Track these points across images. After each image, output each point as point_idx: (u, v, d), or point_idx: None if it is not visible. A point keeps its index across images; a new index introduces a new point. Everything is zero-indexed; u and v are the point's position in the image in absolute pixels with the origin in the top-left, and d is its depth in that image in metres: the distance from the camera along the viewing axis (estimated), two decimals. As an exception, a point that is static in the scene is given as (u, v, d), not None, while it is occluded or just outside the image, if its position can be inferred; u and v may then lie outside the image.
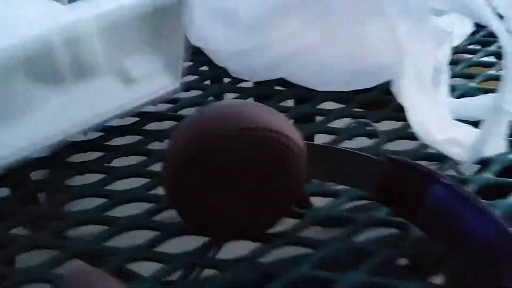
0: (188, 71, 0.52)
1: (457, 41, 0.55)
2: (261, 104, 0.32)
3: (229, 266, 0.32)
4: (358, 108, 0.48)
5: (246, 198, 0.31)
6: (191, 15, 0.47)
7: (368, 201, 0.36)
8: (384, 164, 0.33)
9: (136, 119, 0.45)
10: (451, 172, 0.41)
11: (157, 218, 0.36)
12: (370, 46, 0.45)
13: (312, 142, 0.34)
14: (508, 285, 0.26)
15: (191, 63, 0.54)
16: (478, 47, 0.57)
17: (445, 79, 0.46)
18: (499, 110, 0.35)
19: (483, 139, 0.36)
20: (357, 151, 0.34)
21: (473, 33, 0.56)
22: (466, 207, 0.30)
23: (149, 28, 0.44)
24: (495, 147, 0.37)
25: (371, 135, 0.44)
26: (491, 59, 0.55)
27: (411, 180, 0.32)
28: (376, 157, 0.33)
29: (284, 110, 0.46)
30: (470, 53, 0.56)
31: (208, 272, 0.33)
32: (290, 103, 0.51)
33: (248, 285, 0.31)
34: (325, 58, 0.46)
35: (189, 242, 0.33)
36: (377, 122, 0.46)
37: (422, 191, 0.31)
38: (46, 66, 0.40)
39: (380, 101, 0.48)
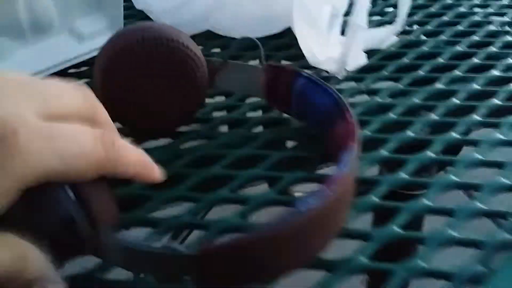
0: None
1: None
2: (169, 25, 0.42)
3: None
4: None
5: (158, 98, 0.42)
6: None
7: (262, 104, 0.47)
8: (267, 70, 0.43)
9: (87, 67, 0.56)
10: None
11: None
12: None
13: (212, 58, 0.44)
14: (338, 132, 0.37)
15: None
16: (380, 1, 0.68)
17: (339, 23, 0.56)
18: (354, 26, 0.46)
19: (346, 53, 0.46)
20: (246, 63, 0.45)
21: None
22: (317, 90, 0.40)
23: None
24: (356, 59, 0.47)
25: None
26: (389, 9, 0.66)
27: (284, 79, 0.42)
28: (260, 66, 0.44)
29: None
30: (372, 6, 0.67)
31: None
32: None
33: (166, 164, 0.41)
34: (238, 9, 0.56)
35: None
36: (287, 60, 0.57)
37: (290, 85, 0.42)
38: (12, 24, 0.51)
39: (290, 44, 0.58)
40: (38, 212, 0.28)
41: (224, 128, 0.46)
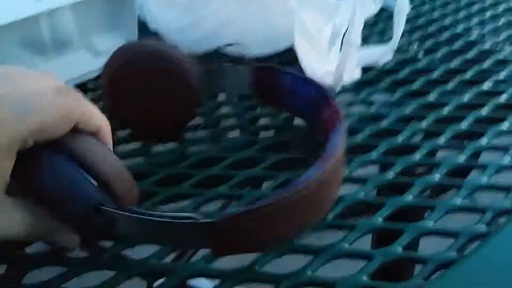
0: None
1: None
2: (165, 42, 0.46)
3: (159, 154, 0.46)
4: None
5: (158, 104, 0.46)
6: (144, 1, 0.62)
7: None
8: (255, 70, 0.47)
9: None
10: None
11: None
12: (276, 16, 0.59)
13: (204, 63, 0.48)
14: (325, 118, 0.40)
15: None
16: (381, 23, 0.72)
17: (339, 41, 0.60)
18: (348, 43, 0.49)
19: (341, 68, 0.50)
20: (238, 66, 0.49)
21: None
22: (303, 83, 0.44)
23: (109, 11, 0.59)
24: (351, 74, 0.51)
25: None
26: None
27: (272, 77, 0.46)
28: (248, 67, 0.47)
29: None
30: (371, 25, 0.71)
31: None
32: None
33: (172, 165, 0.45)
34: (244, 28, 0.60)
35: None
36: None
37: (278, 82, 0.46)
38: (35, 41, 0.56)
39: (292, 61, 0.62)
40: (64, 199, 0.31)
41: (227, 134, 0.50)
